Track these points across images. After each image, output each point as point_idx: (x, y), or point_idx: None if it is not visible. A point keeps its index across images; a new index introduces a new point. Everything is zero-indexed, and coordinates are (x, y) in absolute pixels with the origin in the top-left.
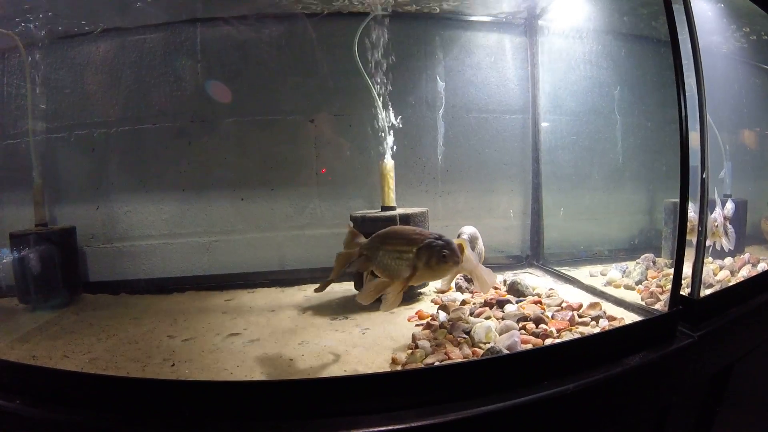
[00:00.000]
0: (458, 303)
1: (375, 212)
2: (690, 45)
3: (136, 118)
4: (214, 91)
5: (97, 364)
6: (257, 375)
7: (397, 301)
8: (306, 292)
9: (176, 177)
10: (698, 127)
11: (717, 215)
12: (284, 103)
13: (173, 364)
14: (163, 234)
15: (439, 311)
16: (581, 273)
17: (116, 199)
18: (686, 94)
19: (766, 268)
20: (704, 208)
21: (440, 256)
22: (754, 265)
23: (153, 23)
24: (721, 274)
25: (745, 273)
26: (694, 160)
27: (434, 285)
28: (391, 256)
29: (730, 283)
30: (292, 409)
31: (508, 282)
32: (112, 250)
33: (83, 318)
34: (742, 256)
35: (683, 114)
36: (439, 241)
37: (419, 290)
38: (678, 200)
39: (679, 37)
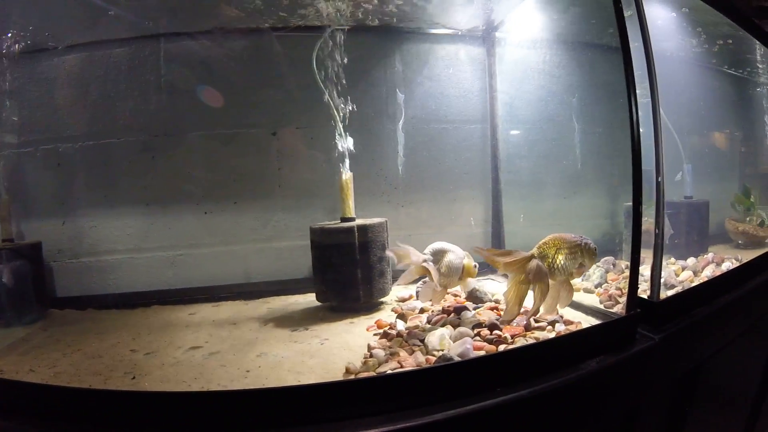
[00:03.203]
0: (417, 311)
1: (334, 223)
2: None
3: (101, 132)
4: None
5: (61, 377)
6: (213, 386)
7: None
8: (270, 305)
9: (141, 191)
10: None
11: None
12: (247, 116)
13: (134, 377)
14: (129, 249)
15: (397, 320)
16: None
17: (82, 214)
18: (638, 99)
19: (731, 267)
20: (660, 211)
21: (595, 252)
22: (719, 265)
23: (118, 38)
24: (683, 274)
25: (708, 273)
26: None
27: (395, 294)
28: (569, 258)
29: (693, 284)
30: (236, 420)
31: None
32: (79, 265)
33: (50, 333)
34: (705, 255)
35: (634, 119)
36: (588, 240)
37: (381, 300)
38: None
39: (635, 44)
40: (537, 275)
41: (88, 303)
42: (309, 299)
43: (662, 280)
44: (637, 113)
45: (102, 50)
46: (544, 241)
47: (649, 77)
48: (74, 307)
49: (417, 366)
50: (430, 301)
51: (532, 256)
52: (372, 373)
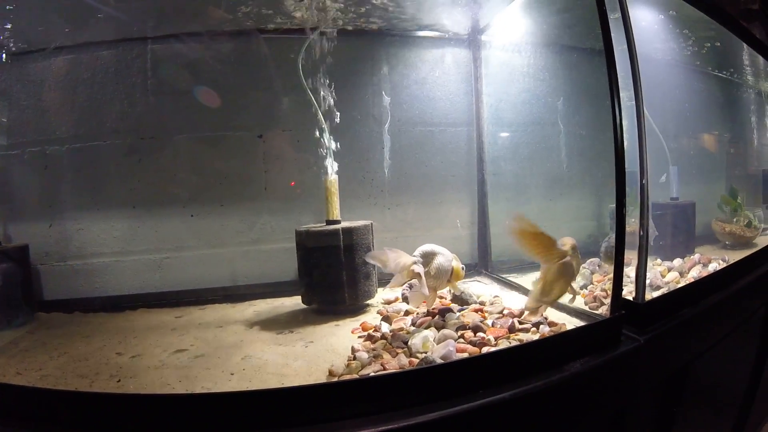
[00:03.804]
0: (402, 314)
1: (319, 226)
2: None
3: (88, 135)
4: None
5: (47, 380)
6: (198, 389)
7: None
8: (256, 307)
9: (127, 194)
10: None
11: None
12: (234, 119)
13: (119, 380)
14: (115, 252)
15: (382, 322)
16: (528, 279)
17: (69, 217)
18: (623, 102)
19: (717, 268)
20: (645, 213)
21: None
22: (705, 266)
23: (105, 40)
24: (669, 275)
25: (695, 274)
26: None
27: (381, 296)
28: (578, 259)
29: (680, 285)
30: (220, 422)
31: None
32: (66, 268)
33: (37, 337)
34: (691, 256)
35: (618, 121)
36: None
37: (366, 302)
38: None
39: (620, 47)
40: (569, 272)
41: (74, 306)
42: (295, 302)
43: (648, 282)
44: (620, 115)
45: (89, 52)
46: (563, 241)
47: (633, 79)
48: (61, 311)
49: (400, 368)
50: (422, 305)
51: (565, 253)
52: (354, 376)
